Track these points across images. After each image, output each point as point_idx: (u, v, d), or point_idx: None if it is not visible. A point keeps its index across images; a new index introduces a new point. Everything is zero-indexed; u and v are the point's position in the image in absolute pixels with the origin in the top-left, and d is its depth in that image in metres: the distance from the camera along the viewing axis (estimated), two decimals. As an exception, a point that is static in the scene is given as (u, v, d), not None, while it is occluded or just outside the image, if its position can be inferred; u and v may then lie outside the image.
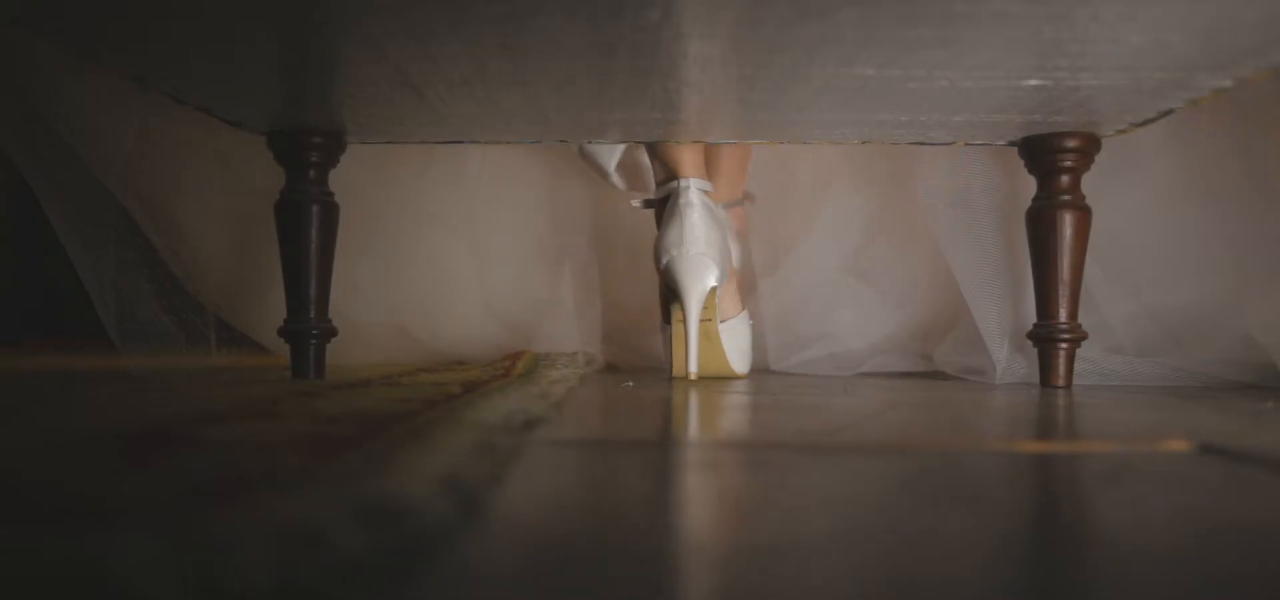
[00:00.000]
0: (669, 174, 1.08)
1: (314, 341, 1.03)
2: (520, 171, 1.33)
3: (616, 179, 1.21)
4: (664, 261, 1.05)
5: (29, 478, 0.37)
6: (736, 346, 1.13)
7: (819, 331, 1.26)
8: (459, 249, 1.30)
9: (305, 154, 1.01)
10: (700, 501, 0.40)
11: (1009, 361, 1.10)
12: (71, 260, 1.21)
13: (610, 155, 1.18)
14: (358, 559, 0.27)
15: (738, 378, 1.12)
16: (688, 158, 1.07)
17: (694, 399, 0.83)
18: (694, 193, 1.05)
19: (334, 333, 1.05)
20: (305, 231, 1.02)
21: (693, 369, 1.04)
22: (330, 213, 1.03)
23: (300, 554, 0.26)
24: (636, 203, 1.15)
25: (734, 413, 0.74)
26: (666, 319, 1.12)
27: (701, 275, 1.04)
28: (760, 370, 1.25)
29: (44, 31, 0.79)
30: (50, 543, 0.25)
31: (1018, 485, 0.44)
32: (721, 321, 1.11)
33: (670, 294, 1.07)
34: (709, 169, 1.12)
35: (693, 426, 0.65)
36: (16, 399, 0.76)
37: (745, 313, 1.15)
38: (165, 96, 0.92)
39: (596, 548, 0.32)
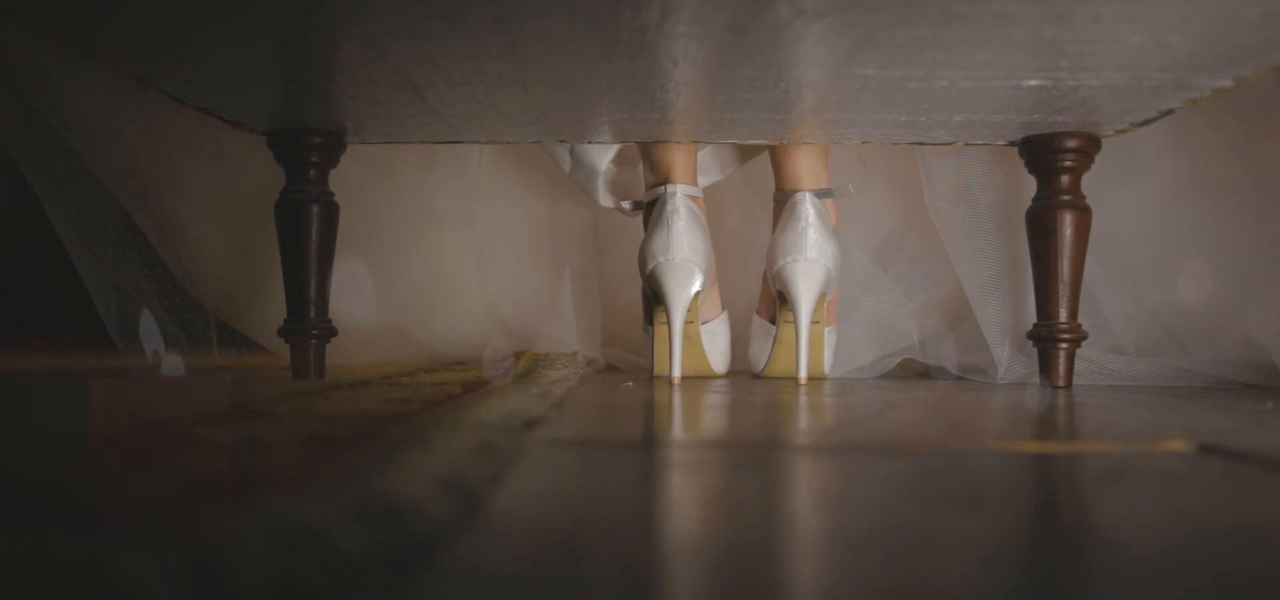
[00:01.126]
0: (658, 179, 1.09)
1: (314, 341, 1.03)
2: (521, 172, 1.32)
3: (605, 197, 1.22)
4: (649, 267, 1.06)
5: (29, 478, 0.37)
6: (716, 347, 1.15)
7: (860, 332, 1.23)
8: (459, 250, 1.30)
9: (305, 154, 1.01)
10: (700, 502, 0.40)
11: (1010, 361, 1.10)
12: (71, 260, 1.22)
13: (602, 156, 1.18)
14: (358, 559, 0.27)
15: (717, 377, 1.13)
16: (678, 163, 1.08)
17: (693, 400, 0.83)
18: (680, 199, 1.06)
19: (334, 333, 1.05)
20: (305, 231, 1.02)
21: (676, 374, 1.05)
22: (330, 213, 1.03)
23: (300, 554, 0.26)
24: (626, 206, 1.16)
25: (733, 413, 0.74)
26: (650, 321, 1.13)
27: (686, 282, 1.05)
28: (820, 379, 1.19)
29: (44, 31, 0.79)
30: (50, 543, 0.25)
31: (1018, 485, 0.44)
32: (702, 323, 1.12)
33: (655, 298, 1.08)
34: (783, 162, 1.10)
35: (692, 428, 0.65)
36: (16, 399, 0.76)
37: (725, 314, 1.16)
38: (165, 96, 0.92)
39: (596, 548, 0.32)
